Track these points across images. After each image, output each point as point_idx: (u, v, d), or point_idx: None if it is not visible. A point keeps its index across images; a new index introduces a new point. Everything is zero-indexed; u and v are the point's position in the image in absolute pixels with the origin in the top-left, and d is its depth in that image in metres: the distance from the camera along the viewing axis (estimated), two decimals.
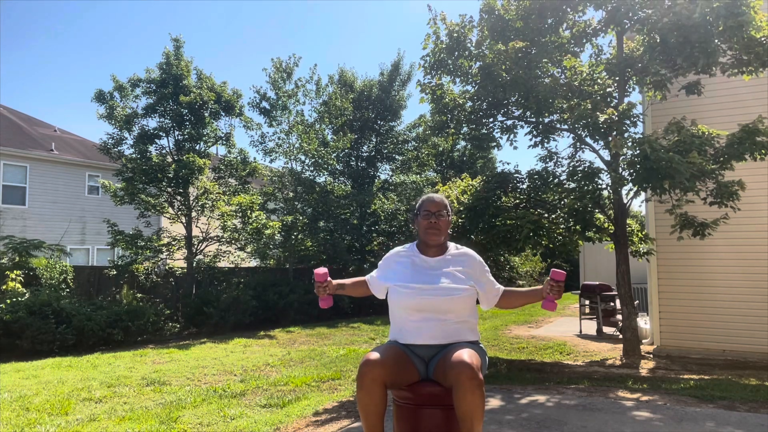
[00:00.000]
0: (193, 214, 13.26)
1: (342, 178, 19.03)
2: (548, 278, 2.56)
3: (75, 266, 11.82)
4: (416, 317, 2.60)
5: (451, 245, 2.81)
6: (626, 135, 6.88)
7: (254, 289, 13.26)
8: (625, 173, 6.88)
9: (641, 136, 7.10)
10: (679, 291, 8.35)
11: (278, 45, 79.04)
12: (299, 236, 15.95)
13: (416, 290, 2.60)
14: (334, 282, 2.75)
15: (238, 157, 14.15)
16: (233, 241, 13.72)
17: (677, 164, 5.88)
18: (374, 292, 2.84)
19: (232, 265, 14.53)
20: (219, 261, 13.95)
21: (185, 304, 12.48)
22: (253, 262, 16.53)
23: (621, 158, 6.99)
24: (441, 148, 19.78)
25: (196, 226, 13.45)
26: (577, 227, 7.22)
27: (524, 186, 8.18)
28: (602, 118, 6.68)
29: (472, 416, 2.27)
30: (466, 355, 2.37)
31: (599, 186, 7.21)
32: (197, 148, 13.49)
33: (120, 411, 5.09)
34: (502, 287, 2.80)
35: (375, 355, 2.42)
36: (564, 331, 11.30)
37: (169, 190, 13.04)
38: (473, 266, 2.73)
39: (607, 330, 10.58)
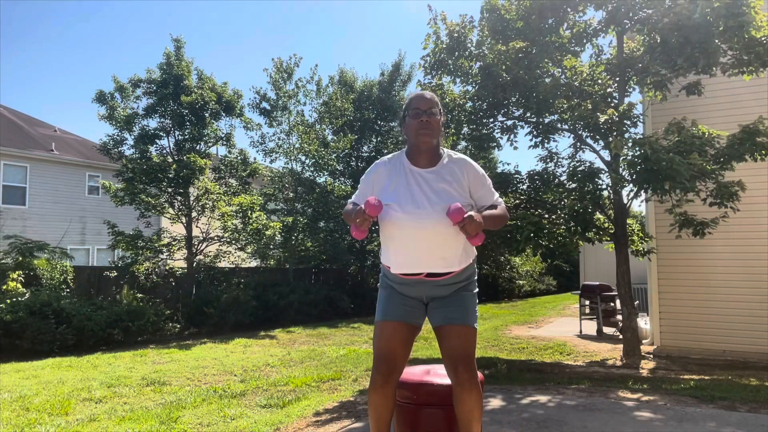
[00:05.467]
0: (194, 214, 13.26)
1: (342, 179, 19.03)
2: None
3: (75, 266, 11.81)
4: (410, 245, 2.39)
5: (445, 152, 2.52)
6: (627, 135, 6.87)
7: (254, 289, 13.26)
8: (626, 174, 6.88)
9: (642, 137, 7.10)
10: (679, 291, 8.35)
11: (279, 45, 79.08)
12: (299, 237, 15.96)
13: (410, 215, 2.35)
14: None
15: (239, 158, 14.15)
16: (233, 242, 13.72)
17: (678, 165, 5.88)
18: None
19: (233, 266, 14.53)
20: (219, 261, 13.94)
21: (185, 305, 12.48)
22: (254, 263, 16.53)
23: (621, 159, 6.99)
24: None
25: (197, 227, 13.45)
26: (578, 228, 7.22)
27: (524, 186, 8.18)
28: (603, 118, 6.68)
29: (470, 415, 2.28)
30: (464, 349, 2.37)
31: (599, 186, 7.21)
32: (198, 148, 13.48)
33: (120, 411, 5.09)
34: (501, 202, 2.53)
35: (386, 353, 2.40)
36: (564, 331, 11.30)
37: (170, 190, 13.04)
38: (470, 175, 2.47)
39: (608, 330, 10.58)
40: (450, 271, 2.42)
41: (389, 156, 2.56)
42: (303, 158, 16.71)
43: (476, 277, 2.60)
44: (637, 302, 9.53)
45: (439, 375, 2.68)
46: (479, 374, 2.53)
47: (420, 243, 2.37)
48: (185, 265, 13.37)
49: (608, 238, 7.68)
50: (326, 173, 17.96)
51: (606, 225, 7.72)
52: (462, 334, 2.40)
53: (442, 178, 2.42)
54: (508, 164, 40.07)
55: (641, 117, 7.35)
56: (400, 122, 2.62)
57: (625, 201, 7.59)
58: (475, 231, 2.25)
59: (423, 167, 2.46)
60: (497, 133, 8.29)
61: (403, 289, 2.51)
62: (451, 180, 2.42)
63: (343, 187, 17.95)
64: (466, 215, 2.23)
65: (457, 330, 2.40)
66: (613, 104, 7.34)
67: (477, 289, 2.58)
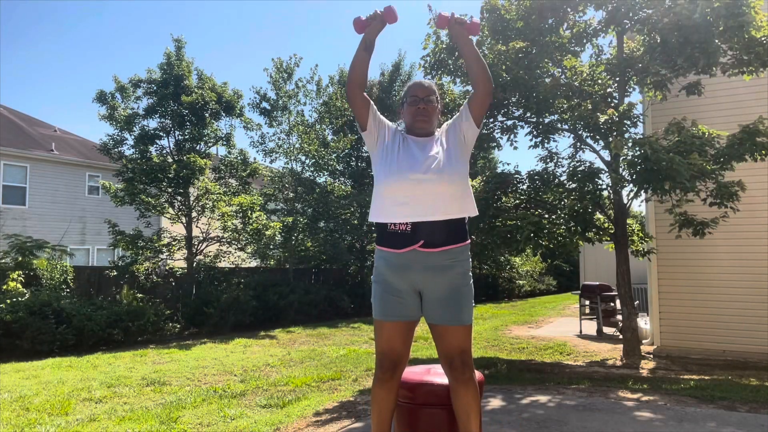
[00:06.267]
0: (194, 214, 13.26)
1: (342, 179, 19.03)
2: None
3: (75, 266, 11.81)
4: (406, 195, 2.42)
5: (437, 130, 2.65)
6: (626, 135, 6.87)
7: (254, 289, 13.26)
8: (626, 174, 6.88)
9: (642, 137, 7.10)
10: (679, 291, 8.35)
11: (279, 45, 79.10)
12: (299, 237, 15.96)
13: (406, 169, 2.43)
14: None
15: (239, 158, 14.15)
16: (234, 242, 13.72)
17: (678, 165, 5.88)
18: (368, 112, 2.53)
19: (233, 266, 14.53)
20: (219, 261, 13.94)
21: (185, 305, 12.48)
22: (254, 263, 16.53)
23: (621, 159, 6.98)
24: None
25: (197, 227, 13.45)
26: (578, 228, 7.22)
27: (524, 186, 8.17)
28: (603, 118, 6.68)
29: (468, 408, 2.30)
30: (459, 346, 2.38)
31: (599, 186, 7.21)
32: (198, 148, 13.49)
33: (120, 411, 5.09)
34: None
35: (388, 351, 2.43)
36: (564, 331, 11.30)
37: (170, 190, 13.05)
38: (454, 119, 2.61)
39: (608, 330, 10.58)
40: (444, 218, 2.42)
41: (396, 124, 2.68)
42: (303, 158, 16.71)
43: (470, 265, 2.57)
44: (637, 302, 9.53)
45: (439, 374, 2.69)
46: (479, 374, 2.53)
47: (415, 192, 2.42)
48: (185, 265, 13.38)
49: (608, 238, 7.68)
50: (326, 173, 17.96)
51: (606, 225, 7.72)
52: (457, 332, 2.42)
53: (437, 142, 2.55)
54: (508, 164, 40.10)
55: (641, 117, 7.35)
56: (399, 109, 2.73)
57: (625, 201, 7.59)
58: (462, 19, 2.41)
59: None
60: (497, 133, 8.29)
61: (395, 278, 2.47)
62: (444, 141, 2.54)
63: (343, 187, 17.95)
64: (448, 15, 2.42)
65: (452, 330, 2.42)
66: (613, 104, 7.34)
67: (471, 280, 2.56)
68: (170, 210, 13.21)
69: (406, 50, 43.47)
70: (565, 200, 7.56)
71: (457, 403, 2.32)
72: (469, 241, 2.56)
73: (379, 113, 2.61)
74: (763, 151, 6.45)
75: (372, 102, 2.58)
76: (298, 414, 4.84)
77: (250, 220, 13.36)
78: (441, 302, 2.43)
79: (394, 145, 2.53)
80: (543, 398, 5.14)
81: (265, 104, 16.04)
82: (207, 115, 13.31)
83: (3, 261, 10.79)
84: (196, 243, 13.42)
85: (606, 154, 7.49)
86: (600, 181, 7.21)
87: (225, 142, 14.02)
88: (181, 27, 79.87)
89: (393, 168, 2.46)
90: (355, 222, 17.99)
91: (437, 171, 2.42)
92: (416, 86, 2.60)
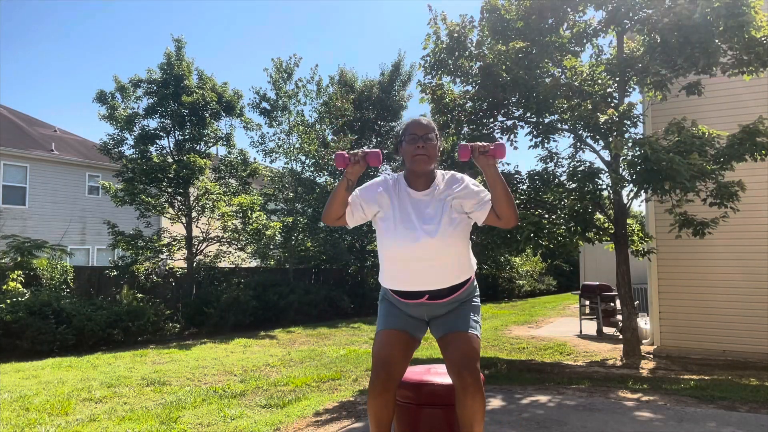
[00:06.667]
0: (194, 214, 13.26)
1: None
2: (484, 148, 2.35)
3: (75, 266, 11.81)
4: (408, 262, 2.44)
5: (439, 173, 2.56)
6: (627, 135, 6.87)
7: (254, 289, 13.25)
8: (626, 174, 6.88)
9: (642, 137, 7.11)
10: (679, 291, 8.35)
11: (279, 45, 79.09)
12: (299, 237, 15.95)
13: (406, 234, 2.41)
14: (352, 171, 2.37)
15: (239, 158, 14.15)
16: (234, 242, 13.72)
17: (678, 165, 5.89)
18: (347, 218, 2.47)
19: (233, 266, 14.53)
20: (219, 261, 13.94)
21: (185, 305, 12.48)
22: (254, 263, 16.53)
23: (621, 159, 6.99)
24: (441, 148, 19.79)
25: (197, 227, 13.45)
26: (578, 228, 7.23)
27: (524, 186, 8.17)
28: (603, 118, 6.68)
29: (472, 420, 2.29)
30: (466, 357, 2.36)
31: (599, 186, 7.21)
32: (198, 148, 13.49)
33: (120, 411, 5.09)
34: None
35: (384, 360, 2.40)
36: (564, 331, 11.29)
37: (170, 190, 13.04)
38: (461, 186, 2.49)
39: (608, 330, 10.58)
40: (448, 285, 2.47)
41: (392, 176, 2.60)
42: (303, 158, 16.70)
43: (478, 293, 2.64)
44: (637, 302, 9.53)
45: (439, 374, 2.68)
46: (480, 379, 2.52)
47: (416, 262, 2.43)
48: (185, 265, 13.38)
49: (608, 238, 7.68)
50: (326, 173, 17.94)
51: (606, 225, 7.72)
52: (464, 339, 2.42)
53: (435, 200, 2.48)
54: (508, 164, 40.01)
55: (641, 117, 7.35)
56: (396, 146, 2.65)
57: (625, 201, 7.59)
58: (486, 147, 2.34)
59: (419, 190, 2.51)
60: (497, 133, 8.29)
61: (403, 307, 2.56)
62: (443, 201, 2.47)
63: None
64: (470, 145, 2.36)
65: (459, 336, 2.43)
66: (613, 104, 7.34)
67: (479, 302, 2.63)
68: (170, 210, 13.21)
69: (405, 50, 43.48)
70: (565, 200, 7.56)
71: (462, 412, 2.29)
72: (474, 274, 2.62)
73: (360, 198, 2.49)
74: (763, 151, 6.45)
75: (349, 204, 2.46)
76: (298, 414, 4.84)
77: (250, 220, 13.35)
78: (448, 316, 2.52)
79: (390, 213, 2.48)
80: (543, 398, 5.14)
81: (265, 104, 16.03)
82: (207, 115, 13.30)
83: (2, 261, 10.79)
84: (196, 243, 13.42)
85: (606, 154, 7.49)
86: (600, 181, 7.21)
87: (225, 142, 14.02)
88: (181, 27, 79.88)
89: (391, 238, 2.45)
90: None
91: (439, 239, 2.39)
92: (414, 124, 2.50)
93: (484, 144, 2.35)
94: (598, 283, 11.06)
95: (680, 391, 5.50)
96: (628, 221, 7.81)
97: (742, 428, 4.10)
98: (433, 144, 2.48)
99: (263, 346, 9.73)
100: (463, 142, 2.37)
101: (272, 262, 16.88)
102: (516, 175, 8.26)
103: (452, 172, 2.59)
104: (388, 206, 2.49)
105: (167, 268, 13.29)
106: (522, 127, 8.20)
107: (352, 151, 2.36)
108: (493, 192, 2.39)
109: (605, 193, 7.54)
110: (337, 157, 2.36)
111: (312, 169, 17.12)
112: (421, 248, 2.39)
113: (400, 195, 2.50)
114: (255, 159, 14.72)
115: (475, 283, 2.63)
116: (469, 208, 2.46)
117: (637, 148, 6.55)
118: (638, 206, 21.63)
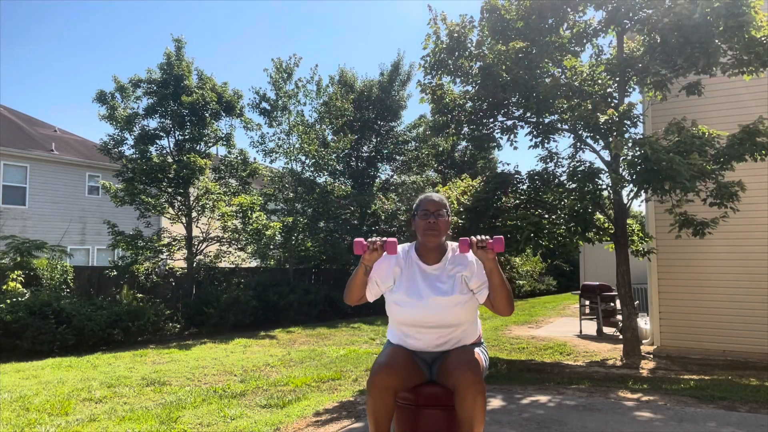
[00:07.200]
0: (194, 214, 13.26)
1: (342, 179, 19.02)
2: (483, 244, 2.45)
3: (75, 266, 11.81)
4: (417, 330, 2.58)
5: (449, 246, 2.70)
6: (627, 135, 6.87)
7: (254, 289, 13.25)
8: (626, 174, 6.88)
9: (642, 137, 7.10)
10: (679, 291, 8.35)
11: (279, 45, 79.09)
12: (299, 237, 15.95)
13: (416, 305, 2.55)
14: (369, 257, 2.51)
15: (239, 158, 14.15)
16: (233, 242, 13.72)
17: (678, 165, 5.89)
18: (367, 295, 2.65)
19: (233, 266, 14.53)
20: (219, 261, 13.94)
21: (185, 305, 12.48)
22: (254, 263, 16.52)
23: (621, 159, 6.99)
24: (441, 149, 19.81)
25: (197, 227, 13.45)
26: (578, 228, 7.23)
27: (524, 186, 8.18)
28: (603, 118, 6.68)
29: (472, 420, 2.28)
30: (468, 358, 2.40)
31: (599, 186, 7.21)
32: (198, 148, 13.49)
33: (120, 411, 5.09)
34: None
35: (386, 362, 2.42)
36: (564, 331, 11.29)
37: (170, 190, 13.05)
38: (468, 267, 2.61)
39: (608, 330, 10.58)
40: (457, 347, 2.60)
41: (402, 248, 2.71)
42: (303, 158, 16.70)
43: (484, 345, 2.79)
44: (637, 302, 9.53)
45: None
46: (481, 380, 2.52)
47: (426, 330, 2.57)
48: (185, 265, 13.38)
49: (608, 238, 7.68)
50: (326, 173, 17.95)
51: (606, 225, 7.72)
52: (466, 350, 2.52)
53: (445, 275, 2.62)
54: (508, 164, 40.03)
55: (641, 117, 7.35)
56: (409, 220, 2.83)
57: (625, 201, 7.59)
58: (484, 242, 2.44)
59: (430, 263, 2.64)
60: (497, 133, 8.30)
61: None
62: (456, 270, 2.61)
63: (343, 187, 17.95)
64: (469, 240, 2.47)
65: (461, 349, 2.55)
66: (613, 104, 7.34)
67: (483, 343, 2.78)
68: (170, 210, 13.21)
69: (405, 50, 43.49)
70: (565, 200, 7.56)
71: (463, 411, 2.29)
72: (479, 334, 2.75)
73: (377, 276, 2.62)
74: (763, 151, 6.45)
75: (368, 285, 2.61)
76: (298, 414, 4.84)
77: (250, 220, 13.35)
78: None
79: (400, 284, 2.62)
80: (543, 398, 5.14)
81: (264, 104, 16.03)
82: (207, 115, 13.31)
83: (2, 261, 10.79)
84: (196, 243, 13.42)
85: (606, 154, 7.49)
86: (600, 181, 7.21)
87: (225, 142, 14.02)
88: (181, 27, 79.88)
89: (402, 307, 2.59)
90: (355, 222, 17.98)
91: (450, 309, 2.54)
92: (427, 201, 2.65)
93: (483, 238, 2.46)
94: (598, 283, 11.06)
95: (680, 391, 5.50)
96: (628, 221, 7.81)
97: (742, 428, 4.10)
98: (445, 220, 2.63)
99: (263, 346, 9.73)
100: (463, 237, 2.53)
101: (272, 262, 16.88)
102: (516, 175, 8.26)
103: (460, 251, 2.61)
104: (399, 277, 2.64)
105: (167, 268, 13.29)
106: (522, 127, 8.21)
107: (370, 239, 2.48)
108: (489, 283, 2.53)
109: (605, 193, 7.54)
110: (356, 244, 2.47)
111: (312, 169, 17.12)
112: (431, 315, 2.54)
113: (410, 266, 2.64)
114: (255, 159, 14.74)
115: (482, 339, 2.77)
116: (474, 287, 2.60)
117: (637, 148, 6.55)
118: (638, 206, 21.65)
